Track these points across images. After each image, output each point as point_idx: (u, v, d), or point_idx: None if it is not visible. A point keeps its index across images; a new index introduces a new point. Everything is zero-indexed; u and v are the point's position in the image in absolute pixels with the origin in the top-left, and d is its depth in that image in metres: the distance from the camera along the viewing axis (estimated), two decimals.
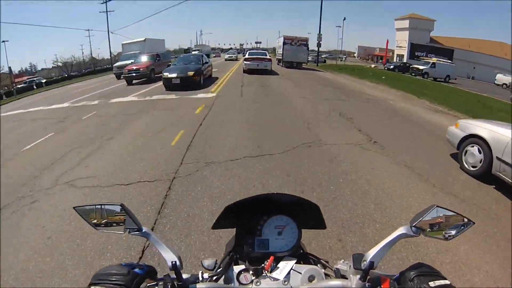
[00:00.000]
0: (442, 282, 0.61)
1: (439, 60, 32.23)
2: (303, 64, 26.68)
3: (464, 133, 4.83)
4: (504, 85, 32.71)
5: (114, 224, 0.71)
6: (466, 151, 4.76)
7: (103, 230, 0.72)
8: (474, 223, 0.69)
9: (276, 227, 0.87)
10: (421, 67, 30.53)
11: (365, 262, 0.67)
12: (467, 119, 5.91)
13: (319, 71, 25.52)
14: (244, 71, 19.06)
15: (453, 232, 0.69)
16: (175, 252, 0.69)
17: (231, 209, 0.81)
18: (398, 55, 49.88)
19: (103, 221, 0.71)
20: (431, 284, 0.61)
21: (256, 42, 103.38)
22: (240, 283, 0.75)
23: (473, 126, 4.77)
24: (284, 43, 25.15)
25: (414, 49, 47.00)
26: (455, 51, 44.49)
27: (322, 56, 51.81)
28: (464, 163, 4.76)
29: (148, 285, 0.65)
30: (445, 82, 27.59)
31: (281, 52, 25.99)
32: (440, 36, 48.52)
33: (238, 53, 53.45)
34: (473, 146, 4.57)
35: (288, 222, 0.88)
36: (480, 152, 4.42)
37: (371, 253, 0.68)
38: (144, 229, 0.72)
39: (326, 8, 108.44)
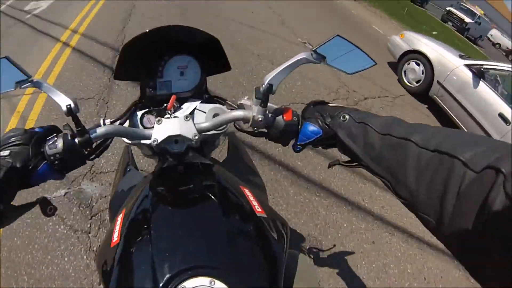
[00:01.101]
0: (341, 105, 0.67)
1: (486, 15, 23.32)
2: None
3: (409, 47, 4.81)
4: (497, 45, 26.40)
5: (3, 81, 0.64)
6: (408, 64, 4.82)
7: None
8: (376, 63, 0.69)
9: (178, 67, 0.83)
10: (466, 19, 20.09)
11: (263, 86, 0.65)
12: (412, 32, 5.64)
13: None
14: None
15: (355, 67, 0.70)
16: (70, 96, 0.63)
17: (129, 49, 0.73)
18: None
19: None
20: (331, 104, 0.67)
21: None
22: (144, 127, 0.74)
23: (420, 43, 4.72)
24: None
25: None
26: None
27: None
28: (403, 77, 4.91)
29: (48, 139, 0.61)
30: (475, 44, 20.21)
31: None
32: None
33: None
34: (418, 65, 4.63)
35: (191, 61, 0.84)
36: (422, 73, 4.50)
37: (268, 77, 0.65)
38: (35, 79, 0.65)
39: None
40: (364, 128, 0.55)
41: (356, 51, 0.68)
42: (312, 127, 0.64)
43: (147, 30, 0.71)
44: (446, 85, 4.13)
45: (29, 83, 0.65)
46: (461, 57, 4.24)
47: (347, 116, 0.60)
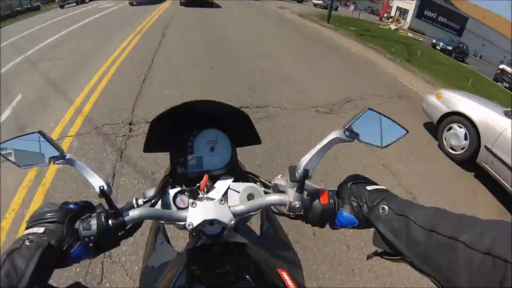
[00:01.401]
0: (379, 187, 0.63)
1: None
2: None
3: (448, 109, 4.29)
4: None
5: (36, 156, 0.66)
6: (449, 128, 4.27)
7: (26, 166, 0.68)
8: (408, 131, 0.67)
9: (208, 143, 0.83)
10: None
11: (299, 171, 0.65)
12: (449, 89, 5.09)
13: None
14: (182, 4, 16.64)
15: (387, 139, 0.67)
16: (103, 176, 0.65)
17: (157, 123, 0.75)
18: (399, 9, 37.59)
19: (25, 156, 0.66)
20: (369, 188, 0.63)
21: None
22: (177, 207, 0.73)
23: (460, 103, 4.18)
24: None
25: (424, 6, 35.20)
26: (468, 20, 35.41)
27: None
28: (444, 143, 4.35)
29: (82, 218, 0.61)
30: None
31: None
32: None
33: None
34: (461, 127, 4.07)
35: (220, 136, 0.84)
36: (466, 138, 3.97)
37: (303, 161, 0.65)
38: (68, 155, 0.67)
39: None
40: (406, 222, 0.52)
41: (387, 122, 0.67)
42: (348, 215, 0.63)
43: (175, 105, 0.73)
44: (495, 150, 3.48)
45: (62, 160, 0.67)
46: (506, 114, 3.65)
47: (386, 208, 0.57)
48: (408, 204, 0.57)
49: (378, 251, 0.60)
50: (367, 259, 0.63)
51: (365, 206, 0.61)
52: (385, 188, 0.64)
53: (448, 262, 0.45)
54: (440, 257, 0.46)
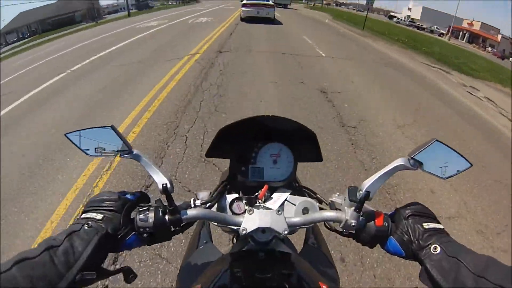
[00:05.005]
0: (436, 225, 0.63)
1: None
2: (287, 5, 36.32)
3: None
4: None
5: (105, 148, 0.69)
6: None
7: (95, 155, 0.71)
8: (472, 165, 0.67)
9: (271, 155, 0.85)
10: None
11: (360, 192, 0.67)
12: None
13: None
14: (242, 19, 16.56)
15: (450, 171, 0.68)
16: (166, 174, 0.67)
17: (224, 132, 0.77)
18: None
19: (94, 146, 0.70)
20: (425, 225, 0.63)
21: None
22: (233, 212, 0.74)
23: None
24: None
25: None
26: None
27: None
28: None
29: (139, 210, 0.64)
30: None
31: None
32: None
33: None
34: None
35: (284, 150, 0.85)
36: None
37: (366, 183, 0.67)
38: (135, 151, 0.70)
39: None
40: (457, 264, 0.53)
41: (453, 154, 0.66)
42: (396, 245, 0.64)
43: (245, 118, 0.74)
44: None
45: (128, 154, 0.69)
46: None
47: (438, 248, 0.57)
48: (461, 247, 0.57)
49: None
50: None
51: (416, 242, 0.61)
52: (442, 227, 0.63)
53: None
54: None
